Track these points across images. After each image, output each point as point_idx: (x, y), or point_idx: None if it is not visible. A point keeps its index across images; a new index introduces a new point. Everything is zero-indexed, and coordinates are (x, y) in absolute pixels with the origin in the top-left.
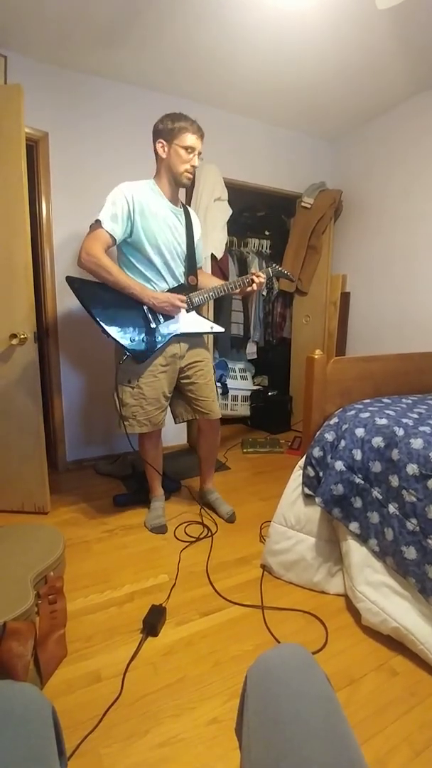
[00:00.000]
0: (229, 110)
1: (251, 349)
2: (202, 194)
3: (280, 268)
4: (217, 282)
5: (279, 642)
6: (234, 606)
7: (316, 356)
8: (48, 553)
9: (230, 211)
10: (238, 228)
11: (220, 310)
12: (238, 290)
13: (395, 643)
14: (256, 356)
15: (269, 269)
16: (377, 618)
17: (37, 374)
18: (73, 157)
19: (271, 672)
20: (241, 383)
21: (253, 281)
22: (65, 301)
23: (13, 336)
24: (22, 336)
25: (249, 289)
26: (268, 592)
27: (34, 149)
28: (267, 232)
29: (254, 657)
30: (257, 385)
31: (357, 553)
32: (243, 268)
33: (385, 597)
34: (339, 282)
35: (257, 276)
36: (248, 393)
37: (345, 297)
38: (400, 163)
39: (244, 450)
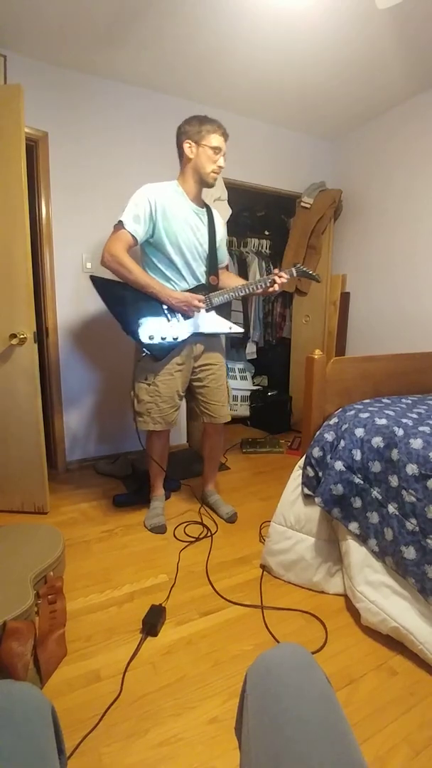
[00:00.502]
0: (229, 110)
1: (251, 349)
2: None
3: (305, 268)
4: (239, 282)
5: (278, 642)
6: (234, 606)
7: (315, 356)
8: (48, 552)
9: (230, 211)
10: (238, 228)
11: (220, 310)
12: (260, 290)
13: (395, 642)
14: (255, 356)
15: (293, 269)
16: (377, 618)
17: (37, 374)
18: (73, 156)
19: (271, 671)
20: (241, 383)
21: (275, 281)
22: (65, 301)
23: (13, 336)
24: (21, 336)
25: (271, 289)
26: (268, 592)
27: (33, 149)
28: (267, 232)
29: (254, 657)
30: (257, 385)
31: (356, 553)
32: (243, 268)
33: (384, 597)
34: (339, 282)
35: (279, 276)
36: (248, 393)
37: (345, 297)
38: (400, 162)
39: (244, 450)
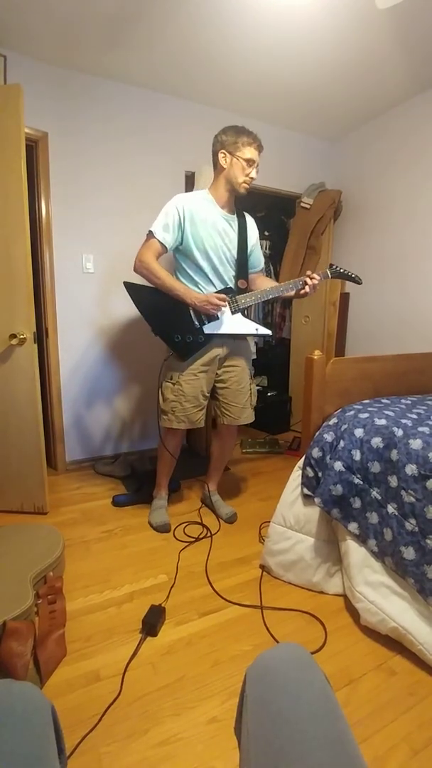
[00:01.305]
0: (229, 110)
1: (250, 350)
2: None
3: (341, 269)
4: (271, 285)
5: (278, 642)
6: (233, 606)
7: (315, 357)
8: (47, 553)
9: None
10: None
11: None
12: (291, 293)
13: (394, 642)
14: (255, 357)
15: (328, 270)
16: (376, 618)
17: (37, 374)
18: (73, 156)
19: (270, 671)
20: (254, 383)
21: (306, 283)
22: (64, 302)
23: (13, 336)
24: (21, 336)
25: (303, 291)
26: (267, 592)
27: (33, 149)
28: (266, 233)
29: (253, 657)
30: (257, 385)
31: (356, 553)
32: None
33: (383, 597)
34: (338, 282)
35: (312, 278)
36: None
37: (344, 297)
38: (400, 163)
39: (244, 450)
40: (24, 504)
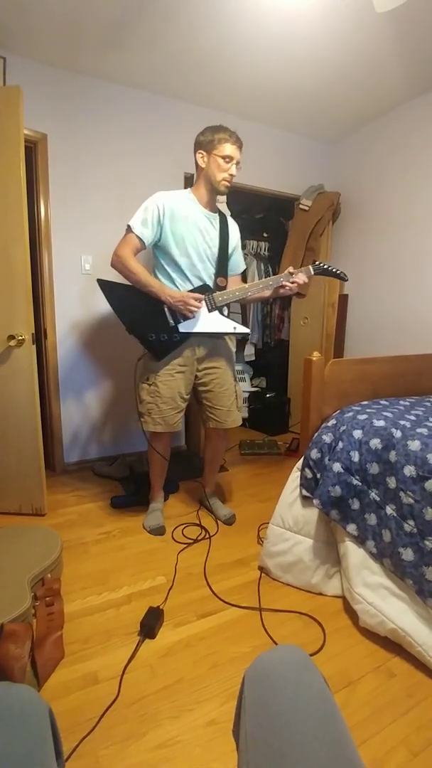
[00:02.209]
0: (228, 112)
1: (249, 351)
2: None
3: (325, 265)
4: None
5: (276, 643)
6: (231, 608)
7: (314, 358)
8: (45, 554)
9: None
10: None
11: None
12: (264, 291)
13: (393, 644)
14: (254, 358)
15: (311, 267)
16: (375, 620)
17: (35, 376)
18: (72, 158)
19: (269, 673)
20: (239, 385)
21: (288, 281)
22: (63, 303)
23: (11, 337)
24: (20, 337)
25: (282, 290)
26: (266, 593)
27: (32, 150)
28: (265, 234)
29: (252, 659)
30: (255, 386)
31: (354, 554)
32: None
33: (382, 599)
34: (337, 284)
35: (293, 275)
36: (246, 395)
37: (343, 299)
38: (399, 165)
39: (242, 452)
40: (22, 505)
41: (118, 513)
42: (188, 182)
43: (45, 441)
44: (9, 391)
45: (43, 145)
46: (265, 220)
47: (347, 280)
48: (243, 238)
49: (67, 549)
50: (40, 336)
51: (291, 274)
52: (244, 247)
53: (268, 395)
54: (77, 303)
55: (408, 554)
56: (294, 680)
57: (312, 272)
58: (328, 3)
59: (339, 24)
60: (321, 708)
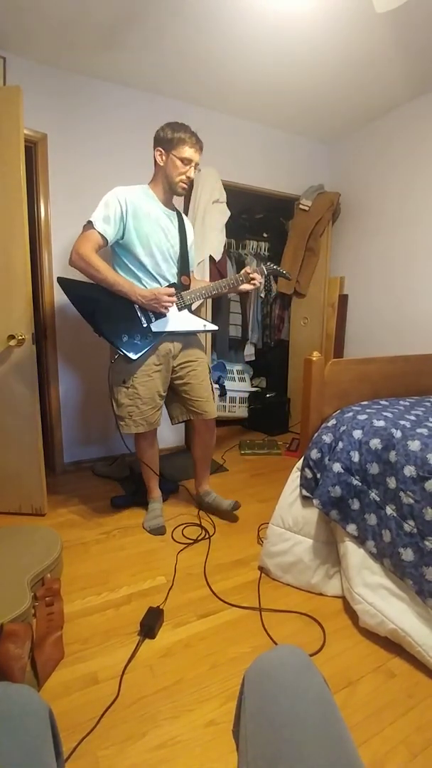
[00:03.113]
0: (228, 113)
1: (249, 351)
2: (201, 196)
3: (275, 266)
4: (209, 283)
5: (276, 644)
6: (231, 608)
7: (314, 358)
8: (45, 554)
9: (229, 213)
10: (236, 230)
11: (219, 312)
12: (226, 289)
13: (393, 644)
14: (254, 358)
15: (263, 266)
16: (375, 620)
17: (35, 375)
18: (72, 158)
19: (269, 674)
20: (239, 385)
21: (249, 280)
22: (63, 303)
23: (11, 337)
24: (20, 337)
25: (243, 287)
26: (266, 594)
27: (33, 150)
28: (265, 234)
29: (252, 659)
30: (255, 386)
31: (354, 554)
32: (241, 270)
33: (382, 599)
34: (337, 284)
35: (251, 275)
36: (246, 395)
37: (343, 299)
38: (399, 165)
39: (242, 452)
40: (22, 505)
41: (117, 513)
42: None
43: (45, 441)
44: (9, 390)
45: (43, 144)
46: (265, 220)
47: (290, 278)
48: (243, 238)
49: (67, 549)
50: (40, 336)
51: (248, 273)
52: (244, 247)
53: (268, 395)
54: (71, 301)
55: (408, 554)
56: (294, 681)
57: (265, 272)
58: (329, 3)
59: (339, 24)
60: (321, 708)
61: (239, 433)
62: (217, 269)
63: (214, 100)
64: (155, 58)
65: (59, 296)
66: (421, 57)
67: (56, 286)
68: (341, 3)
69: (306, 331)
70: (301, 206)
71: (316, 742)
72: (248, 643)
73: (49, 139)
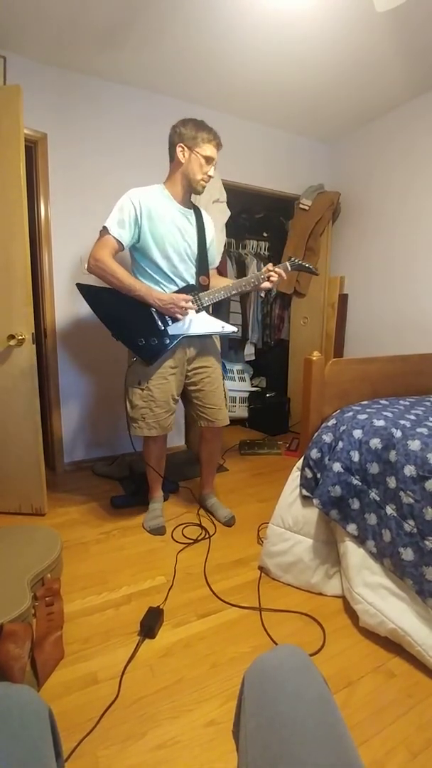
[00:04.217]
0: (228, 112)
1: (249, 351)
2: (201, 196)
3: (300, 261)
4: (228, 282)
5: (276, 644)
6: (231, 608)
7: (314, 358)
8: (45, 554)
9: (229, 213)
10: (236, 230)
11: (218, 312)
12: (248, 288)
13: (393, 644)
14: (254, 358)
15: (287, 263)
16: (375, 620)
17: (35, 375)
18: (72, 157)
19: (269, 674)
20: (239, 385)
21: (269, 278)
22: (63, 303)
23: (12, 337)
24: (20, 337)
25: (263, 285)
26: (266, 593)
27: (33, 150)
28: (265, 234)
29: (252, 659)
30: (255, 386)
31: (354, 554)
32: (241, 270)
33: (382, 598)
34: (337, 284)
35: (272, 272)
36: (246, 394)
37: (343, 299)
38: (399, 165)
39: (242, 451)
40: (22, 505)
41: (118, 513)
42: None
43: (45, 441)
44: (9, 390)
45: (43, 144)
46: (265, 219)
47: (318, 274)
48: (243, 237)
49: (67, 549)
50: (40, 335)
51: (270, 270)
52: (244, 247)
53: (268, 395)
54: (77, 303)
55: (408, 554)
56: (294, 681)
57: (289, 268)
58: (329, 3)
59: (339, 24)
60: (321, 708)
61: (239, 432)
62: (216, 269)
63: (214, 99)
64: (156, 57)
65: (59, 296)
66: (421, 57)
67: (56, 285)
68: (341, 3)
69: (306, 330)
70: (301, 206)
71: (316, 742)
72: (248, 643)
73: (49, 139)
